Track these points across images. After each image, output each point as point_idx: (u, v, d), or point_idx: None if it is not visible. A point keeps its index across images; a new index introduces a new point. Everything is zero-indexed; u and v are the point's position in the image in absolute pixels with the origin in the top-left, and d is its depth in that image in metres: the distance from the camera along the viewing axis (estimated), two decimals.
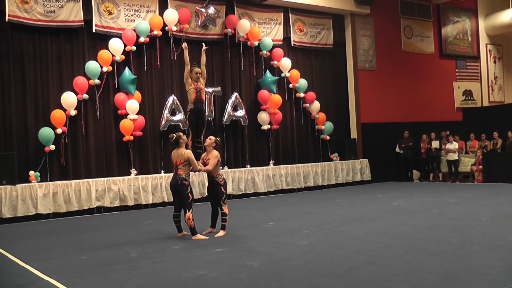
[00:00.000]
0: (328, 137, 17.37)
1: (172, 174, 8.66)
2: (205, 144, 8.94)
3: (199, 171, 8.79)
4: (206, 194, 9.12)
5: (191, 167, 8.47)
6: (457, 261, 6.11)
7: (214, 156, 8.69)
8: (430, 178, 18.39)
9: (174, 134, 8.56)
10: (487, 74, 22.29)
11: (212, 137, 8.96)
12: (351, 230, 8.58)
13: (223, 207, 8.68)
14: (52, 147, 12.50)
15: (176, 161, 8.47)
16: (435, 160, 18.23)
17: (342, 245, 7.34)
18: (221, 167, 9.19)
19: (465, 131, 19.08)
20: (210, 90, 14.56)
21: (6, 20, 12.12)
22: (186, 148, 8.72)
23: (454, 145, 17.45)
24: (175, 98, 14.18)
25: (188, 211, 8.31)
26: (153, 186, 13.39)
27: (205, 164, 8.73)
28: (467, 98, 21.56)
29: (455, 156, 17.46)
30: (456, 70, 21.44)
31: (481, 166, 16.96)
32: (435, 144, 17.96)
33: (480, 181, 16.89)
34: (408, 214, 10.25)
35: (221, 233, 8.62)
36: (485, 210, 10.30)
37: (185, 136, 8.71)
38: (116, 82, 13.56)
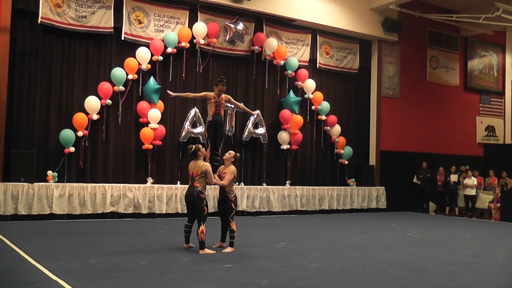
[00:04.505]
0: (346, 162, 17.29)
1: (188, 185, 8.67)
2: (224, 157, 8.96)
3: (214, 184, 8.79)
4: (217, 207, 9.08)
5: (207, 180, 8.47)
6: None
7: (230, 171, 8.70)
8: (446, 211, 18.16)
9: (193, 146, 8.57)
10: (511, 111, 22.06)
11: (232, 152, 8.97)
12: (363, 257, 8.50)
13: (231, 224, 8.66)
14: (72, 149, 12.63)
15: (193, 173, 8.47)
16: (452, 193, 17.96)
17: (352, 272, 7.27)
18: (235, 183, 9.16)
19: (485, 167, 18.85)
20: (232, 105, 14.59)
21: (39, 22, 12.35)
22: (205, 160, 8.74)
23: (472, 180, 17.23)
24: (197, 111, 14.21)
25: (203, 224, 8.30)
26: (168, 196, 13.42)
27: (220, 178, 8.74)
28: (489, 134, 21.32)
29: (472, 192, 17.22)
30: (480, 105, 21.25)
31: (499, 204, 16.71)
32: (454, 177, 17.72)
33: (497, 219, 16.59)
34: (421, 245, 10.14)
35: (229, 249, 8.60)
36: (501, 249, 10.14)
37: (204, 148, 8.74)
38: (140, 90, 13.69)
